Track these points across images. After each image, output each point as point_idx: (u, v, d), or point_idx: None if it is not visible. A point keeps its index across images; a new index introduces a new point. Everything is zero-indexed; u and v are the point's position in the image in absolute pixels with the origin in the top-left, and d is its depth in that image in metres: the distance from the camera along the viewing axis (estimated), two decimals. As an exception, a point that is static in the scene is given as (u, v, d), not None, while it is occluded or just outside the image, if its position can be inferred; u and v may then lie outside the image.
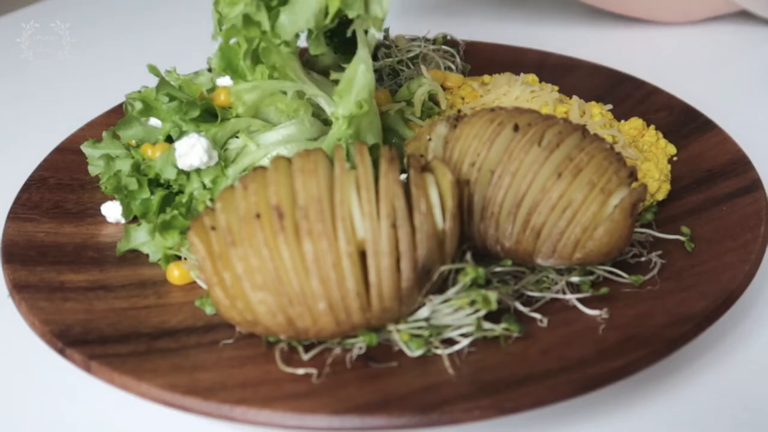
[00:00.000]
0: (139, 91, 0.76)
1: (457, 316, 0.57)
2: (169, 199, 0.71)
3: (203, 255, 0.54)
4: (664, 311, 0.58)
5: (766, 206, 0.68)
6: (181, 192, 0.71)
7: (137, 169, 0.71)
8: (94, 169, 0.76)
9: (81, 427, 0.58)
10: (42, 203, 0.75)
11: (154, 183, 0.71)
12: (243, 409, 0.51)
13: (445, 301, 0.57)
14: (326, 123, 0.74)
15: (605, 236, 0.58)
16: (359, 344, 0.56)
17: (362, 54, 0.70)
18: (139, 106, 0.74)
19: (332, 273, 0.52)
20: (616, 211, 0.58)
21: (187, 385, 0.53)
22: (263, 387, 0.53)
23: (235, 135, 0.75)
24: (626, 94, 0.92)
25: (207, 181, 0.70)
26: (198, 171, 0.71)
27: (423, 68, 0.87)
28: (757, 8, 1.21)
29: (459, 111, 0.84)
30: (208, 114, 0.74)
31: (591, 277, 0.62)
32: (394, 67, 0.92)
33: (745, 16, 1.27)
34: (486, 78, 0.92)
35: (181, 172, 0.70)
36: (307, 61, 0.93)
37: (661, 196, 0.73)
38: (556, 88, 0.88)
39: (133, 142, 0.77)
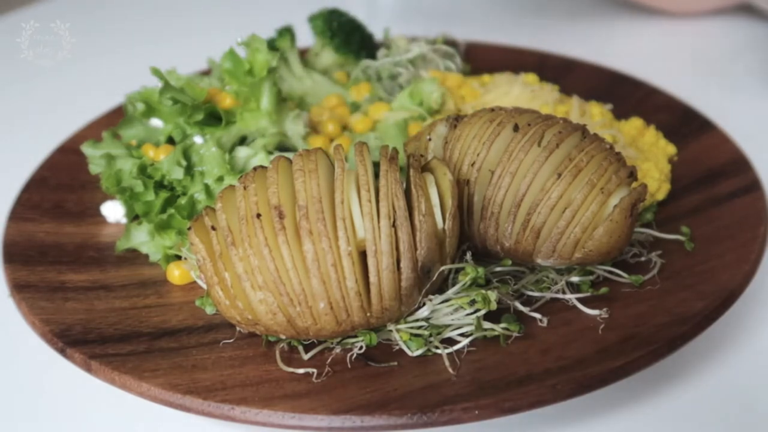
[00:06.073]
0: (140, 92, 0.76)
1: (456, 315, 0.57)
2: (171, 201, 0.71)
3: (204, 255, 0.54)
4: (664, 311, 0.58)
5: (766, 206, 0.68)
6: (184, 194, 0.71)
7: (143, 170, 0.71)
8: (95, 168, 0.76)
9: (81, 427, 0.58)
10: (42, 203, 0.75)
11: (158, 185, 0.72)
12: (243, 408, 0.51)
13: (445, 300, 0.57)
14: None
15: (605, 236, 0.58)
16: (359, 344, 0.56)
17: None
18: (140, 106, 0.74)
19: (332, 272, 0.52)
20: (615, 211, 0.58)
21: (187, 384, 0.53)
22: (263, 387, 0.53)
23: (241, 140, 0.76)
24: (626, 94, 0.92)
25: (210, 181, 0.70)
26: (202, 173, 0.71)
27: (425, 72, 0.87)
28: (760, 1, 1.21)
29: (459, 111, 0.84)
30: (212, 117, 0.74)
31: (591, 277, 0.62)
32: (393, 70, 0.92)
33: (746, 14, 1.26)
34: (486, 78, 0.92)
35: (186, 173, 0.70)
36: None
37: (661, 196, 0.73)
38: (556, 88, 0.88)
39: (134, 142, 0.77)
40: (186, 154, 0.72)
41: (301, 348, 0.56)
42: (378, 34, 0.99)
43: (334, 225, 0.52)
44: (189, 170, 0.71)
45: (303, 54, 0.93)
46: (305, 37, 0.97)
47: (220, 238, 0.54)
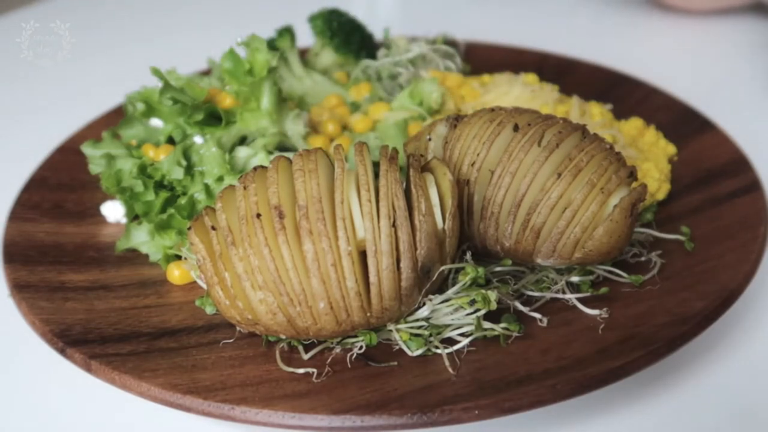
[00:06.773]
0: (140, 92, 0.76)
1: (456, 315, 0.57)
2: (171, 201, 0.71)
3: (204, 255, 0.54)
4: (664, 311, 0.58)
5: (766, 206, 0.68)
6: (184, 194, 0.71)
7: (143, 170, 0.71)
8: (95, 168, 0.76)
9: (81, 427, 0.58)
10: (42, 203, 0.75)
11: (158, 185, 0.72)
12: (243, 408, 0.51)
13: (445, 300, 0.57)
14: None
15: (605, 236, 0.58)
16: (359, 344, 0.56)
17: None
18: (140, 106, 0.74)
19: (332, 272, 0.52)
20: (615, 211, 0.58)
21: (187, 384, 0.53)
22: (263, 386, 0.53)
23: (241, 140, 0.76)
24: (626, 94, 0.92)
25: (210, 181, 0.70)
26: (202, 173, 0.71)
27: (425, 72, 0.87)
28: None
29: (459, 111, 0.84)
30: (212, 117, 0.74)
31: (591, 277, 0.62)
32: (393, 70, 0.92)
33: (754, 14, 1.26)
34: (486, 78, 0.92)
35: (186, 173, 0.70)
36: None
37: (661, 196, 0.73)
38: (556, 88, 0.88)
39: (134, 142, 0.77)
40: (186, 154, 0.72)
41: (301, 348, 0.56)
42: (378, 34, 0.99)
43: (334, 225, 0.52)
44: (189, 170, 0.71)
45: (303, 54, 0.93)
46: (305, 37, 0.97)
47: (220, 238, 0.54)
